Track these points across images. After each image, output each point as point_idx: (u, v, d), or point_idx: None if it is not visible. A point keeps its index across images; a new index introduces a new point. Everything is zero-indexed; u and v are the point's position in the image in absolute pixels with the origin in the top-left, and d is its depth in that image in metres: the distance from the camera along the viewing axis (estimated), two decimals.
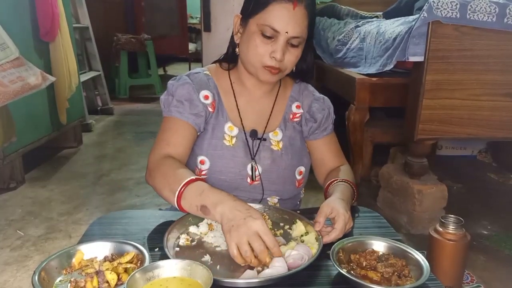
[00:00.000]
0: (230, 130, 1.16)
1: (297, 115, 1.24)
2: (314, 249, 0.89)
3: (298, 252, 0.86)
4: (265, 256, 0.82)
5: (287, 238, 0.97)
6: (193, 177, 0.97)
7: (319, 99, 1.27)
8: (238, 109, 1.19)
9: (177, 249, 0.91)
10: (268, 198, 1.20)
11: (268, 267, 0.83)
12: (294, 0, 1.02)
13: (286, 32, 1.04)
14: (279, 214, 1.05)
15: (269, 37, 1.05)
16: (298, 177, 1.22)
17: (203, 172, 1.15)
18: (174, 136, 1.12)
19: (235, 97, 1.20)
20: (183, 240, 0.94)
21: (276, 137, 1.20)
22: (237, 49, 1.15)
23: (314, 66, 1.24)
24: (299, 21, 1.04)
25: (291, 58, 1.09)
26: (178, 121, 1.13)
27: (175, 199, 0.96)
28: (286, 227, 1.01)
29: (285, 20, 1.03)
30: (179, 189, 0.95)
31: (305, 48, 1.12)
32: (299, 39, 1.07)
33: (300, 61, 1.13)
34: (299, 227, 0.98)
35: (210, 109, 1.16)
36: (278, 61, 1.06)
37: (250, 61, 1.10)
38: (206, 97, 1.16)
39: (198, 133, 1.16)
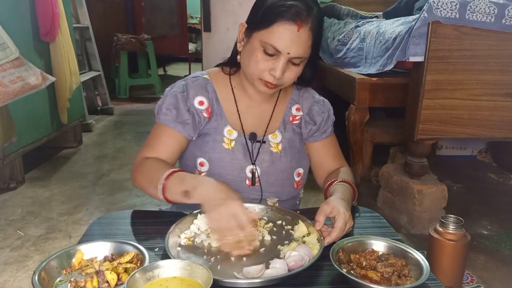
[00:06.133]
0: (229, 134, 1.17)
1: (297, 118, 1.24)
2: (315, 250, 0.89)
3: (299, 253, 0.87)
4: (239, 233, 0.88)
5: (289, 238, 0.97)
6: (174, 169, 1.03)
7: (319, 102, 1.26)
8: (238, 113, 1.19)
9: (179, 248, 0.92)
10: (267, 199, 1.20)
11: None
12: (298, 22, 1.02)
13: (288, 53, 1.04)
14: (281, 214, 1.06)
15: (270, 55, 1.05)
16: (297, 179, 1.22)
17: (203, 174, 1.16)
18: (159, 144, 1.15)
19: (235, 101, 1.20)
20: (184, 240, 0.95)
21: (275, 139, 1.20)
22: (238, 57, 1.16)
23: (318, 75, 1.24)
24: (303, 42, 1.04)
25: (291, 75, 1.09)
26: (165, 129, 1.15)
27: (160, 192, 1.01)
28: (288, 227, 1.02)
29: (288, 41, 1.03)
30: (162, 183, 1.00)
31: (310, 60, 1.12)
32: (301, 59, 1.07)
33: (304, 70, 1.13)
34: (301, 228, 0.98)
35: (204, 115, 1.16)
36: (276, 79, 1.07)
37: (249, 73, 1.11)
38: (201, 103, 1.16)
39: (191, 139, 1.18)
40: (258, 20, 1.06)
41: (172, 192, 0.99)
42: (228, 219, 0.88)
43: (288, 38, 1.02)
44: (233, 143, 1.16)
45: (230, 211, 0.88)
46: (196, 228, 0.98)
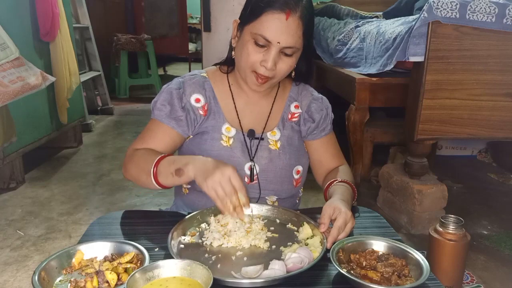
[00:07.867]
0: (228, 131, 1.17)
1: (296, 115, 1.24)
2: (316, 252, 0.89)
3: (299, 255, 0.86)
4: (235, 198, 0.91)
5: (293, 240, 0.97)
6: (164, 154, 1.04)
7: (318, 99, 1.27)
8: (236, 111, 1.19)
9: (182, 246, 0.93)
10: (266, 197, 1.20)
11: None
12: (287, 10, 1.02)
13: (278, 42, 1.04)
14: (287, 215, 1.06)
15: (261, 46, 1.05)
16: (296, 176, 1.22)
17: None
18: (152, 138, 1.16)
19: (233, 99, 1.20)
20: (187, 237, 0.95)
21: (274, 137, 1.20)
22: (232, 53, 1.16)
23: (313, 70, 1.24)
24: (292, 31, 1.04)
25: (284, 67, 1.09)
26: (159, 124, 1.16)
27: (152, 178, 1.02)
28: (294, 228, 1.02)
29: (278, 31, 1.03)
30: (152, 168, 1.02)
31: (304, 53, 1.12)
32: (293, 49, 1.07)
33: (299, 64, 1.14)
34: (305, 230, 0.98)
35: (201, 112, 1.16)
36: (268, 70, 1.07)
37: (241, 67, 1.11)
38: (197, 100, 1.17)
39: (187, 137, 1.18)
40: (248, 13, 1.08)
41: (164, 173, 1.00)
42: (225, 184, 0.90)
43: (277, 27, 1.03)
44: (231, 141, 1.16)
45: (225, 175, 0.90)
46: (206, 226, 1.00)
